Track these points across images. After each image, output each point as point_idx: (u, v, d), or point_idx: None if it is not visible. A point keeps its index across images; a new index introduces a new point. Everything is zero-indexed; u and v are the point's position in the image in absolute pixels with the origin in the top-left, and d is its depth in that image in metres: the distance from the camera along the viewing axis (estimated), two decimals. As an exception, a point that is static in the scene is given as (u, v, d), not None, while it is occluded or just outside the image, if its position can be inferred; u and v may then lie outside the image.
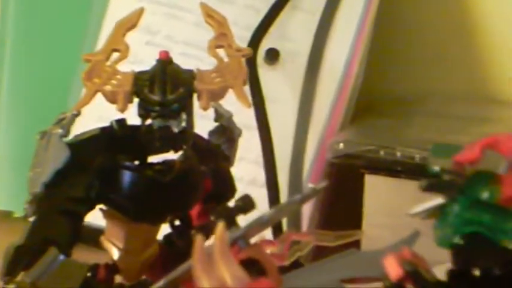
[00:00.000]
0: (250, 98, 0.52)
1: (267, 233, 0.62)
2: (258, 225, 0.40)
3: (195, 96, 0.49)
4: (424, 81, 0.87)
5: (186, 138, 0.50)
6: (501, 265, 0.34)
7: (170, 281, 0.39)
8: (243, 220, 0.49)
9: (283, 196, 0.74)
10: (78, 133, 0.52)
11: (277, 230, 0.68)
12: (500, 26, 0.84)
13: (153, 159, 0.52)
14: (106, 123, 0.52)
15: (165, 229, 0.55)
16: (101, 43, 0.78)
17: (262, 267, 0.38)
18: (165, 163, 0.52)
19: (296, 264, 0.50)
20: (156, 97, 0.48)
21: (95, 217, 0.52)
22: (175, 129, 0.49)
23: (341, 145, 0.73)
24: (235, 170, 0.56)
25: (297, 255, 0.46)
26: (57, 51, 0.81)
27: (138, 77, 0.49)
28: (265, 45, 0.76)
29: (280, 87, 0.76)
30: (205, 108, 0.48)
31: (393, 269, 0.37)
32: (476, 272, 0.35)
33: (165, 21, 0.77)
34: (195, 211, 0.55)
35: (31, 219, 0.49)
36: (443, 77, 0.86)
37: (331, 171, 0.74)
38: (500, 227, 0.35)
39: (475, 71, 0.86)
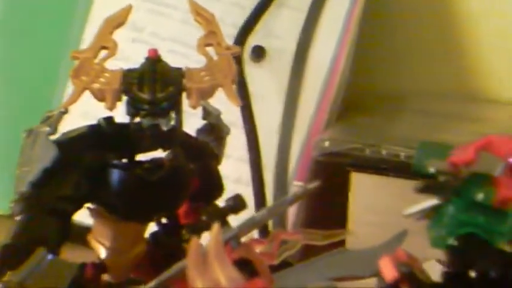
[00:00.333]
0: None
1: (253, 232, 0.62)
2: (250, 225, 0.40)
3: (184, 94, 0.49)
4: (410, 79, 0.87)
5: (175, 136, 0.50)
6: (497, 267, 0.35)
7: (162, 282, 0.39)
8: (232, 220, 0.49)
9: (269, 194, 0.74)
10: (65, 131, 0.51)
11: (263, 229, 0.68)
12: (486, 23, 0.84)
13: (141, 157, 0.52)
14: (91, 120, 0.52)
15: (152, 227, 0.55)
16: (86, 40, 0.78)
17: (254, 268, 0.38)
18: (154, 161, 0.51)
19: (284, 264, 0.50)
20: (145, 95, 0.48)
21: (82, 215, 0.52)
22: (165, 128, 0.49)
23: (327, 143, 0.73)
24: (221, 168, 0.56)
25: (286, 254, 0.46)
26: (41, 48, 0.80)
27: (127, 74, 0.49)
28: (251, 42, 0.76)
29: (266, 85, 0.76)
30: (194, 107, 0.48)
31: (388, 270, 0.37)
32: (472, 274, 0.35)
33: (151, 18, 0.77)
34: (182, 209, 0.54)
35: (17, 218, 0.49)
36: (429, 75, 0.86)
37: (317, 169, 0.74)
38: (495, 229, 0.35)
39: (461, 68, 0.86)
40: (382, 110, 0.83)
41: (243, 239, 0.43)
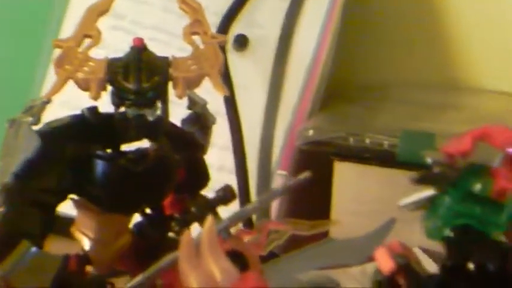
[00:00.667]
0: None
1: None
2: (241, 216, 0.39)
3: (170, 84, 0.48)
4: (392, 69, 0.87)
5: (161, 127, 0.49)
6: (494, 259, 0.34)
7: (151, 275, 0.39)
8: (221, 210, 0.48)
9: (253, 182, 0.74)
10: (48, 121, 0.50)
11: (247, 220, 0.67)
12: (467, 13, 0.84)
13: (125, 148, 0.51)
14: (72, 110, 0.51)
15: (136, 218, 0.54)
16: (65, 28, 0.77)
17: (245, 259, 0.38)
18: (138, 152, 0.51)
19: (270, 254, 0.49)
20: (131, 85, 0.47)
21: (64, 206, 0.51)
22: (150, 118, 0.48)
23: (310, 132, 0.73)
24: (205, 156, 0.55)
25: (275, 244, 0.45)
26: (20, 37, 0.79)
27: (112, 64, 0.48)
28: (234, 31, 0.75)
29: (249, 74, 0.75)
30: (181, 97, 0.48)
31: (385, 262, 0.36)
32: (470, 266, 0.35)
33: (132, 6, 0.76)
34: (167, 200, 0.54)
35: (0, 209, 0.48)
36: (410, 65, 0.86)
37: (301, 158, 0.74)
38: (491, 220, 0.35)
39: (442, 58, 0.86)
40: (364, 99, 0.82)
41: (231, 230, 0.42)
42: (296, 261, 0.45)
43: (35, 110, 0.49)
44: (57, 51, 0.50)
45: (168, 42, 0.75)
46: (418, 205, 0.37)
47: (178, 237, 0.46)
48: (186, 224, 0.47)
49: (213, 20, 0.74)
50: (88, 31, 0.50)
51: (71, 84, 0.49)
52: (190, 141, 0.53)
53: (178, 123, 0.54)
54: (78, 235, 0.52)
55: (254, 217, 0.70)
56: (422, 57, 0.86)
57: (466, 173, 0.36)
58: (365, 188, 0.72)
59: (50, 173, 0.48)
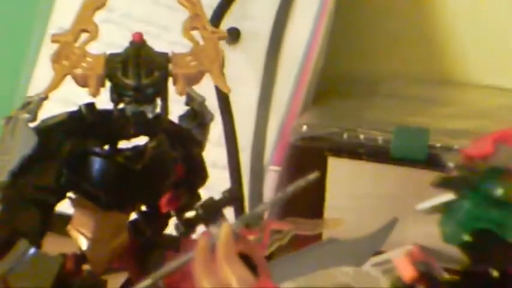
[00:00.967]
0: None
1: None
2: (252, 218, 0.39)
3: (170, 80, 0.48)
4: (383, 63, 0.86)
5: (160, 124, 0.48)
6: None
7: (160, 277, 0.38)
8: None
9: (245, 178, 0.73)
10: (45, 118, 0.49)
11: (239, 215, 0.67)
12: (456, 7, 0.84)
13: (122, 145, 0.51)
14: (70, 107, 0.50)
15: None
16: (52, 24, 0.76)
17: (252, 261, 0.37)
18: (136, 149, 0.50)
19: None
20: (130, 81, 0.46)
21: (59, 204, 0.50)
22: (150, 115, 0.47)
23: (304, 127, 0.72)
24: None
25: (278, 244, 0.45)
26: (6, 32, 0.78)
27: (110, 59, 0.47)
28: (226, 24, 0.74)
29: (242, 68, 0.74)
30: (181, 93, 0.47)
31: (407, 270, 0.36)
32: (490, 272, 0.34)
33: (123, -1, 0.75)
34: (164, 197, 0.53)
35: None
36: (401, 59, 0.86)
37: (294, 154, 0.73)
38: (509, 223, 0.35)
39: (432, 52, 0.86)
40: (356, 94, 0.82)
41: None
42: (298, 261, 0.45)
43: (32, 107, 0.48)
44: (48, 47, 0.49)
45: (159, 36, 0.74)
46: (436, 209, 0.37)
47: (183, 238, 0.45)
48: (192, 225, 0.46)
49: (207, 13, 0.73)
50: (85, 25, 0.49)
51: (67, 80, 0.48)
52: (188, 138, 0.52)
53: (174, 120, 0.54)
54: (75, 234, 0.51)
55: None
56: (413, 51, 0.85)
57: (486, 177, 0.35)
58: (359, 183, 0.72)
59: (48, 171, 0.47)
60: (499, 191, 0.35)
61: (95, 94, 0.46)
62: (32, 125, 0.47)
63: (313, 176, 0.42)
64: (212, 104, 0.70)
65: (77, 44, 0.48)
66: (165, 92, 0.47)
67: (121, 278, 0.54)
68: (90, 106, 0.49)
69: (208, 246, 0.35)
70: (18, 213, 0.46)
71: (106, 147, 0.49)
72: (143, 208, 0.53)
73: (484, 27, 0.84)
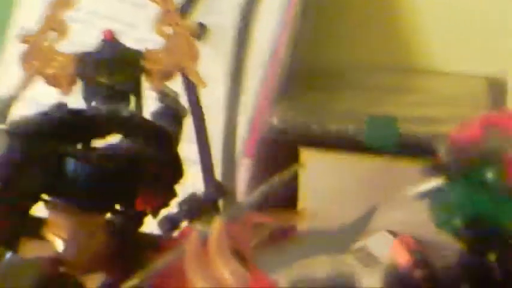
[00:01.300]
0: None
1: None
2: (238, 212, 0.38)
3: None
4: (348, 54, 0.86)
5: (136, 121, 0.48)
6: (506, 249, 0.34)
7: (148, 276, 0.37)
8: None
9: (218, 173, 0.73)
10: (15, 119, 0.48)
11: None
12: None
13: (96, 144, 0.50)
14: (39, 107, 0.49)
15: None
16: (14, 23, 0.75)
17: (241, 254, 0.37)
18: (110, 148, 0.49)
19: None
20: (103, 79, 0.46)
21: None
22: (125, 113, 0.46)
23: (275, 120, 0.72)
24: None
25: (259, 237, 0.44)
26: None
27: (81, 58, 0.47)
28: (192, 19, 0.74)
29: (210, 63, 0.73)
30: (156, 90, 0.46)
31: (401, 255, 0.36)
32: (488, 256, 0.35)
33: (89, -4, 0.74)
34: (140, 195, 0.52)
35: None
36: (367, 49, 0.86)
37: (266, 147, 0.73)
38: (500, 208, 0.35)
39: (396, 41, 0.86)
40: (324, 85, 0.82)
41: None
42: (281, 253, 0.45)
43: (1, 108, 0.47)
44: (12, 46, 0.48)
45: (124, 33, 0.73)
46: (426, 195, 0.37)
47: (167, 236, 0.45)
48: (176, 222, 0.46)
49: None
50: (54, 24, 0.48)
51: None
52: (162, 134, 0.51)
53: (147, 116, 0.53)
54: (51, 236, 0.50)
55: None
56: (378, 41, 0.86)
57: (478, 162, 0.35)
58: (331, 174, 0.72)
59: (21, 174, 0.46)
60: (490, 175, 0.35)
61: (67, 93, 0.46)
62: (1, 127, 0.46)
63: (297, 167, 0.42)
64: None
65: (46, 43, 0.47)
66: (139, 88, 0.47)
67: (99, 279, 0.54)
68: (61, 106, 0.48)
69: (199, 242, 0.35)
70: (-7, 218, 0.45)
71: (79, 147, 0.49)
72: (118, 207, 0.52)
73: (446, 15, 0.85)
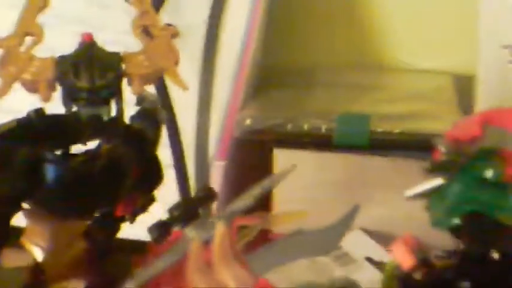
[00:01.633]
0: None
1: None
2: (238, 210, 0.38)
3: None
4: (317, 52, 0.87)
5: (116, 126, 0.47)
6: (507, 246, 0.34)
7: (141, 281, 0.37)
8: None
9: (191, 175, 0.72)
10: (-9, 127, 0.47)
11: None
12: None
13: (75, 149, 0.49)
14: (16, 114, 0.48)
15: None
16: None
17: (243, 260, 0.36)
18: (90, 153, 0.48)
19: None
20: (83, 84, 0.45)
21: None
22: (105, 117, 0.46)
23: (248, 121, 0.72)
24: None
25: (245, 239, 0.44)
26: None
27: (60, 62, 0.45)
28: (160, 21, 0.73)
29: (180, 64, 0.73)
30: (138, 93, 0.45)
31: (405, 258, 0.35)
32: (491, 254, 0.35)
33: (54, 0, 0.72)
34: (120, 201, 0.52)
35: None
36: (334, 47, 0.86)
37: (239, 148, 0.73)
38: (499, 204, 0.35)
39: (363, 39, 0.87)
40: (294, 84, 0.82)
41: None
42: (268, 254, 0.44)
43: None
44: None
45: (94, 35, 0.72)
46: (425, 195, 0.37)
47: (157, 243, 0.44)
48: (167, 228, 0.45)
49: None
50: (29, 28, 0.47)
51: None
52: (142, 138, 0.51)
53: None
54: (29, 245, 0.49)
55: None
56: (345, 39, 0.86)
57: (476, 159, 0.35)
58: (305, 173, 0.72)
59: (1, 181, 0.45)
60: (489, 172, 0.35)
61: (46, 99, 0.45)
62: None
63: (290, 168, 0.42)
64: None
65: (22, 49, 0.46)
66: (120, 92, 0.46)
67: (79, 286, 0.53)
68: (40, 111, 0.47)
69: (202, 248, 0.34)
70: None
71: (59, 152, 0.48)
72: (97, 213, 0.51)
73: (414, 11, 0.86)
